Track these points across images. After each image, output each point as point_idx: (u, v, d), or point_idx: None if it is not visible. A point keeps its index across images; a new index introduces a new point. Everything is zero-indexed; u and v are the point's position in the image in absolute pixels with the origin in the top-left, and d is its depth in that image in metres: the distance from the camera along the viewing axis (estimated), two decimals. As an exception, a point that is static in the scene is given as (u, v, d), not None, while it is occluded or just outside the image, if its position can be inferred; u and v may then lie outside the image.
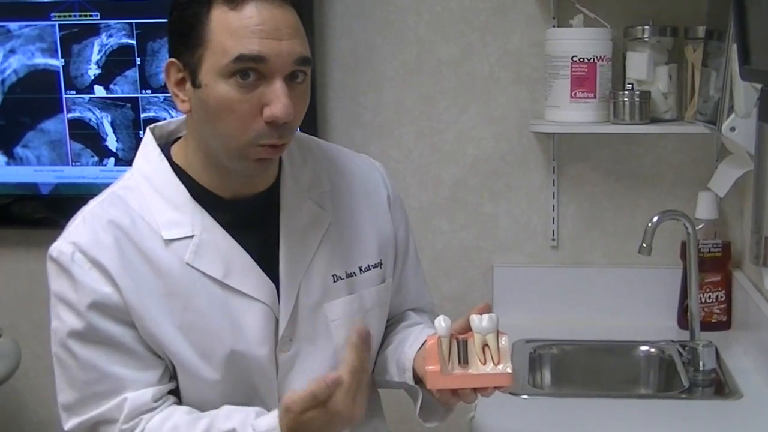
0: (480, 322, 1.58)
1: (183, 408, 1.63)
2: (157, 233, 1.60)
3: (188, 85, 1.55)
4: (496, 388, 1.59)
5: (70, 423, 1.62)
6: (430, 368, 1.57)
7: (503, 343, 1.58)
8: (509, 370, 1.57)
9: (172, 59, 1.56)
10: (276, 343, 1.66)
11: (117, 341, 1.57)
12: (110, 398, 1.58)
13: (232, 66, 1.49)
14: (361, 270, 1.75)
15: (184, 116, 1.66)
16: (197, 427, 1.58)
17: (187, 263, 1.60)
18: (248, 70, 1.49)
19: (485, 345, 1.58)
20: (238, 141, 1.53)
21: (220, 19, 1.49)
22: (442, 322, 1.58)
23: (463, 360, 1.58)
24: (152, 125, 1.73)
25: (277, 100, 1.50)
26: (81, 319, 1.56)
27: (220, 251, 1.62)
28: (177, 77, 1.57)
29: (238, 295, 1.62)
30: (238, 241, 1.63)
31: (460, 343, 1.59)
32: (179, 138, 1.71)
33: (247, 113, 1.51)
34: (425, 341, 1.63)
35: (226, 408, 1.61)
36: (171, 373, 1.64)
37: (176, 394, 1.66)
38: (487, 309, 1.60)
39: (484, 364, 1.58)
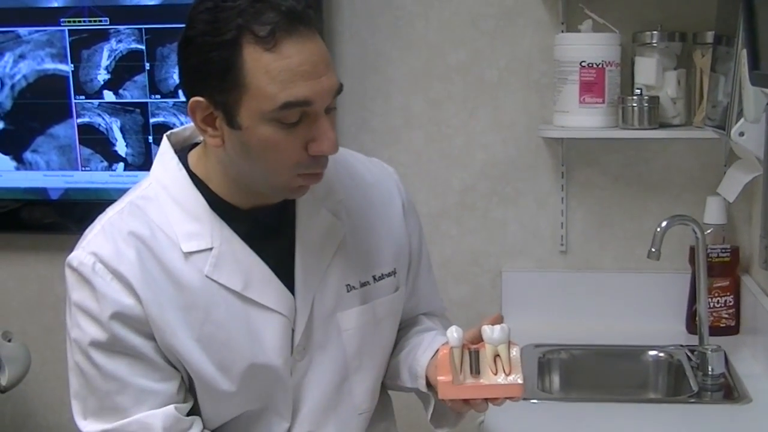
0: (491, 333, 1.59)
1: None
2: (177, 245, 1.59)
3: (219, 122, 1.52)
4: (507, 398, 1.61)
5: (89, 428, 1.61)
6: (441, 379, 1.58)
7: (514, 353, 1.59)
8: (520, 380, 1.58)
9: (198, 98, 1.51)
10: (291, 352, 1.66)
11: (138, 352, 1.57)
12: (132, 411, 1.58)
13: (278, 113, 1.46)
14: (375, 279, 1.75)
15: None
16: None
17: (207, 276, 1.59)
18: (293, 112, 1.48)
19: (497, 355, 1.59)
20: (282, 176, 1.54)
21: (255, 60, 1.45)
22: (454, 333, 1.59)
23: (475, 370, 1.60)
24: (169, 132, 1.71)
25: (324, 136, 1.50)
26: (103, 329, 1.56)
27: (239, 263, 1.61)
28: (204, 114, 1.53)
29: (258, 307, 1.62)
30: (255, 252, 1.63)
31: (472, 354, 1.60)
32: (195, 144, 1.69)
33: (293, 151, 1.50)
34: (437, 351, 1.64)
35: None
36: (187, 388, 1.65)
37: (195, 412, 1.67)
38: (499, 320, 1.61)
39: (496, 374, 1.59)
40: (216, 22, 1.46)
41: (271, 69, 1.45)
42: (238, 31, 1.45)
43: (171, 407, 1.59)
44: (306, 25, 1.47)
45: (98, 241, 1.58)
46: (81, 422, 1.62)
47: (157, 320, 1.56)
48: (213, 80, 1.48)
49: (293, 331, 1.66)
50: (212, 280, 1.60)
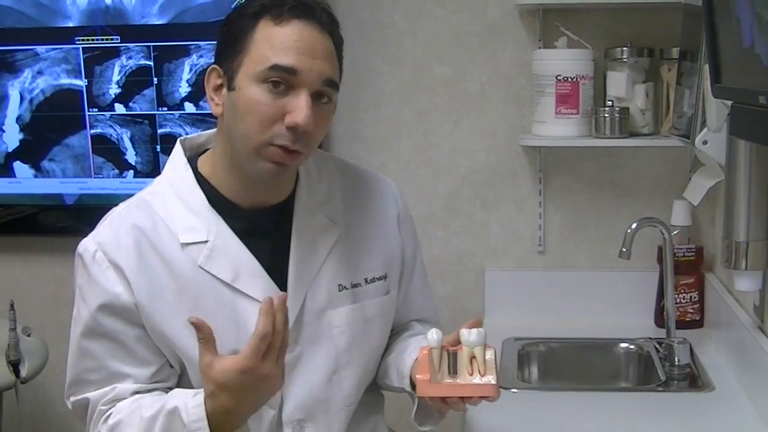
0: (468, 336, 1.58)
1: (153, 393, 1.64)
2: (175, 236, 1.62)
3: (224, 90, 1.58)
4: (482, 397, 1.60)
5: (69, 399, 1.68)
6: (419, 377, 1.58)
7: (489, 356, 1.59)
8: (493, 381, 1.57)
9: (215, 65, 1.60)
10: None
11: (118, 338, 1.60)
12: (102, 386, 1.62)
13: (266, 73, 1.52)
14: (366, 281, 1.75)
15: (214, 130, 1.69)
16: (153, 406, 1.58)
17: (200, 266, 1.61)
18: (280, 79, 1.52)
19: (473, 357, 1.59)
20: (256, 140, 1.55)
21: (264, 31, 1.54)
22: (434, 335, 1.59)
23: (453, 370, 1.59)
24: (183, 137, 1.75)
25: (300, 109, 1.52)
26: (90, 313, 1.59)
27: (231, 257, 1.63)
28: (216, 83, 1.60)
29: (245, 298, 1.63)
30: (251, 248, 1.64)
31: (450, 355, 1.59)
32: (207, 150, 1.72)
33: (270, 117, 1.53)
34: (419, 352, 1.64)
35: (178, 390, 1.62)
36: (170, 372, 1.66)
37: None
38: (477, 324, 1.61)
39: (472, 374, 1.59)
40: (249, 2, 1.57)
41: (272, 37, 1.54)
42: (261, 9, 1.55)
43: (128, 384, 1.62)
44: (317, 21, 1.56)
45: (104, 231, 1.63)
46: (65, 391, 1.68)
47: (147, 306, 1.59)
48: (228, 46, 1.57)
49: None
50: (205, 270, 1.61)
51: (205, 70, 1.65)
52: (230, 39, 1.57)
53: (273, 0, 1.55)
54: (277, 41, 1.53)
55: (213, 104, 1.61)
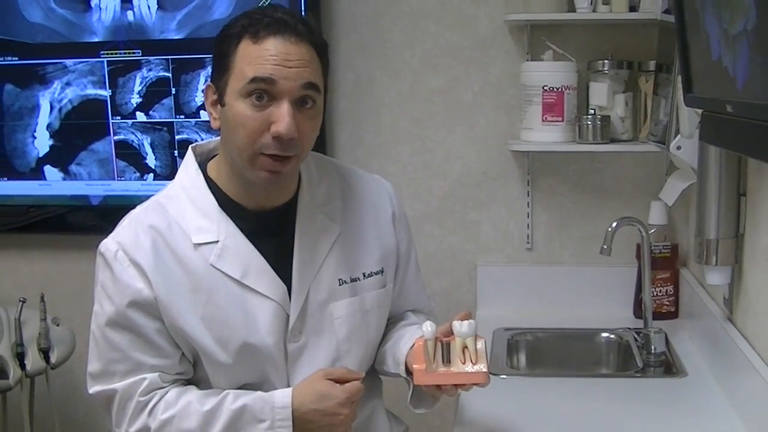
0: (460, 327, 1.59)
1: (195, 387, 1.66)
2: (188, 237, 1.61)
3: (219, 106, 1.59)
4: (474, 384, 1.61)
5: (93, 389, 1.67)
6: (416, 367, 1.59)
7: (480, 346, 1.60)
8: (484, 369, 1.58)
9: (210, 83, 1.61)
10: (286, 335, 1.66)
11: (141, 331, 1.60)
12: (128, 377, 1.61)
13: (247, 87, 1.52)
14: (364, 276, 1.75)
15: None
16: (207, 402, 1.60)
17: (211, 264, 1.61)
18: (261, 91, 1.52)
19: (465, 347, 1.59)
20: (247, 151, 1.55)
21: (244, 50, 1.54)
22: (428, 327, 1.60)
23: (446, 360, 1.60)
24: (194, 144, 1.75)
25: (282, 119, 1.52)
26: (115, 308, 1.59)
27: (240, 255, 1.63)
28: (212, 99, 1.60)
29: (253, 293, 1.63)
30: (257, 247, 1.64)
31: (443, 345, 1.60)
32: (216, 155, 1.72)
33: (256, 128, 1.53)
34: (415, 342, 1.64)
35: (234, 391, 1.64)
36: (187, 364, 1.66)
37: (201, 382, 1.68)
38: (468, 316, 1.62)
39: (464, 363, 1.59)
40: (233, 23, 1.58)
41: (251, 54, 1.53)
42: (241, 29, 1.55)
43: (156, 374, 1.62)
44: (296, 34, 1.54)
45: (124, 232, 1.63)
46: (88, 381, 1.68)
47: (165, 301, 1.59)
48: (218, 65, 1.58)
49: (288, 316, 1.66)
50: (216, 268, 1.62)
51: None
52: (219, 58, 1.58)
53: (251, 19, 1.56)
54: (255, 57, 1.53)
55: (212, 119, 1.62)
